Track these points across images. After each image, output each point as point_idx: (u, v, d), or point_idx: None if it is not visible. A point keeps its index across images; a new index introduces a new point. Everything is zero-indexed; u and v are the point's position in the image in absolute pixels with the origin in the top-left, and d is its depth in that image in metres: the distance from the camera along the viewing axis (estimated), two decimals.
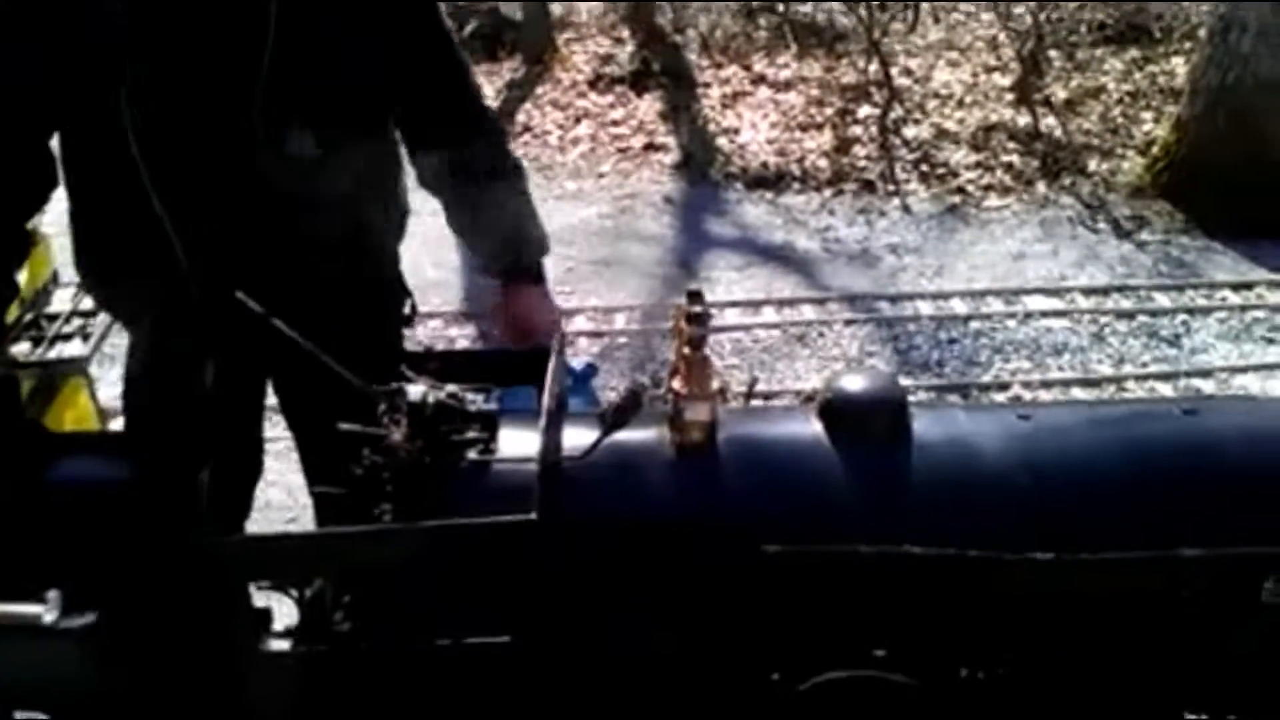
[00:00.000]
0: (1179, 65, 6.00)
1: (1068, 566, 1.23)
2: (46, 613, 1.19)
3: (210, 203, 1.63)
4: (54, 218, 1.71)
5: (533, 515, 1.21)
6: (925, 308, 4.42)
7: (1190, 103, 5.21)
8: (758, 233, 5.03)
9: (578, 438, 1.37)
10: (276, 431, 2.12)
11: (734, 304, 4.39)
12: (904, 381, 4.16)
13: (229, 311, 1.43)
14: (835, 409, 1.39)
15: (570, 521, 1.29)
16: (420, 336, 4.01)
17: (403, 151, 1.85)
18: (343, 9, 1.60)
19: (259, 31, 1.54)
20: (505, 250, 1.84)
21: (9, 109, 1.54)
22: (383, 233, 1.87)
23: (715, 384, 1.35)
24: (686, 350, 1.35)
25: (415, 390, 1.35)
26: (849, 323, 4.28)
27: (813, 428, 1.39)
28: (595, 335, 4.19)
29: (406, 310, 1.93)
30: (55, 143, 1.64)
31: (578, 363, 2.33)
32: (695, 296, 1.35)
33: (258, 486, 2.02)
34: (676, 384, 1.36)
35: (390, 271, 1.93)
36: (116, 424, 2.78)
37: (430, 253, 4.77)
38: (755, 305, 4.40)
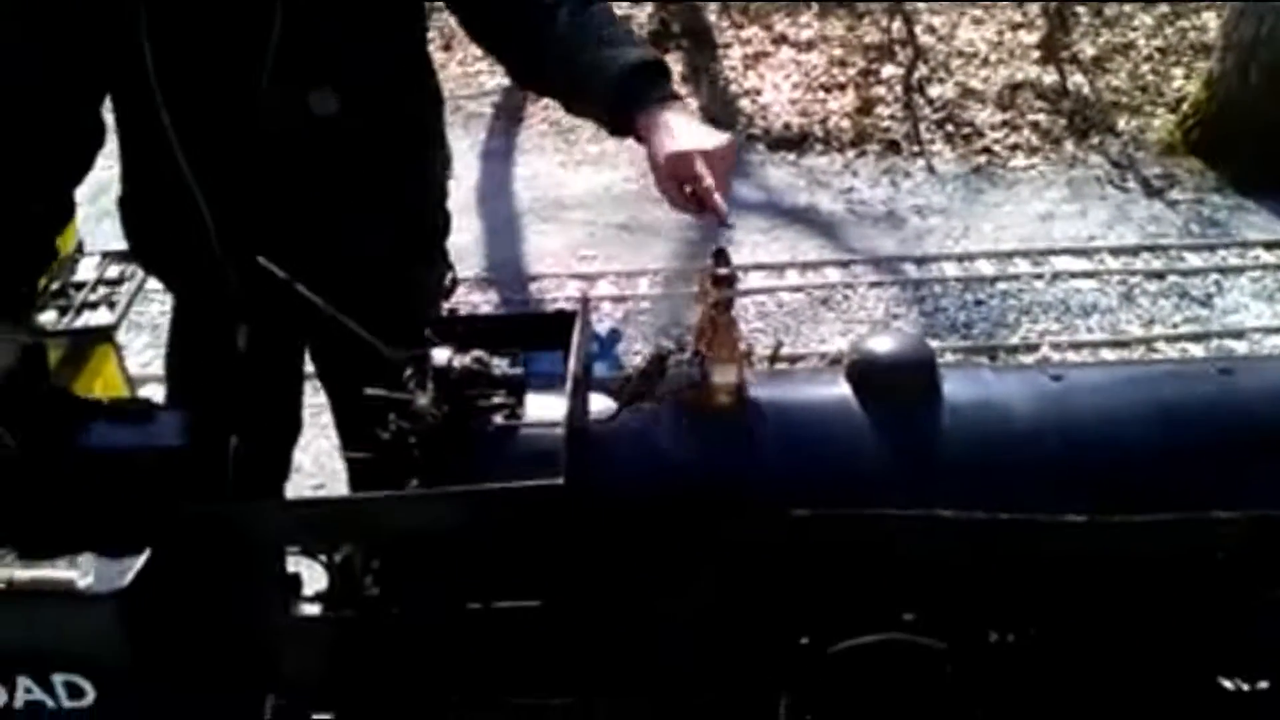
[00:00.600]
0: (1210, 20, 5.87)
1: (1100, 529, 1.22)
2: (80, 578, 1.20)
3: (235, 167, 1.62)
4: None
5: (560, 480, 1.20)
6: (952, 269, 4.38)
7: (1222, 58, 5.11)
8: (781, 195, 4.99)
9: (604, 402, 1.37)
10: (305, 397, 2.13)
11: (758, 267, 4.37)
12: (931, 344, 4.10)
13: (259, 275, 1.44)
14: (863, 371, 1.38)
15: (598, 485, 1.29)
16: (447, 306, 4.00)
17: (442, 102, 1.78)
18: None
19: None
20: (636, 75, 1.46)
21: (50, 78, 1.54)
22: (421, 192, 1.83)
23: (743, 346, 1.34)
24: (712, 313, 1.34)
25: (440, 355, 1.35)
26: (874, 285, 4.27)
27: (841, 390, 1.38)
28: (619, 300, 4.18)
29: (447, 282, 1.91)
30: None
31: (602, 328, 2.33)
32: (721, 256, 1.33)
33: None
34: (704, 347, 1.35)
35: (432, 229, 1.89)
36: (145, 391, 2.80)
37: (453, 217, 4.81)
38: (779, 268, 4.38)
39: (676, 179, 1.41)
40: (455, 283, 1.93)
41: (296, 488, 3.12)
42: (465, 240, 4.53)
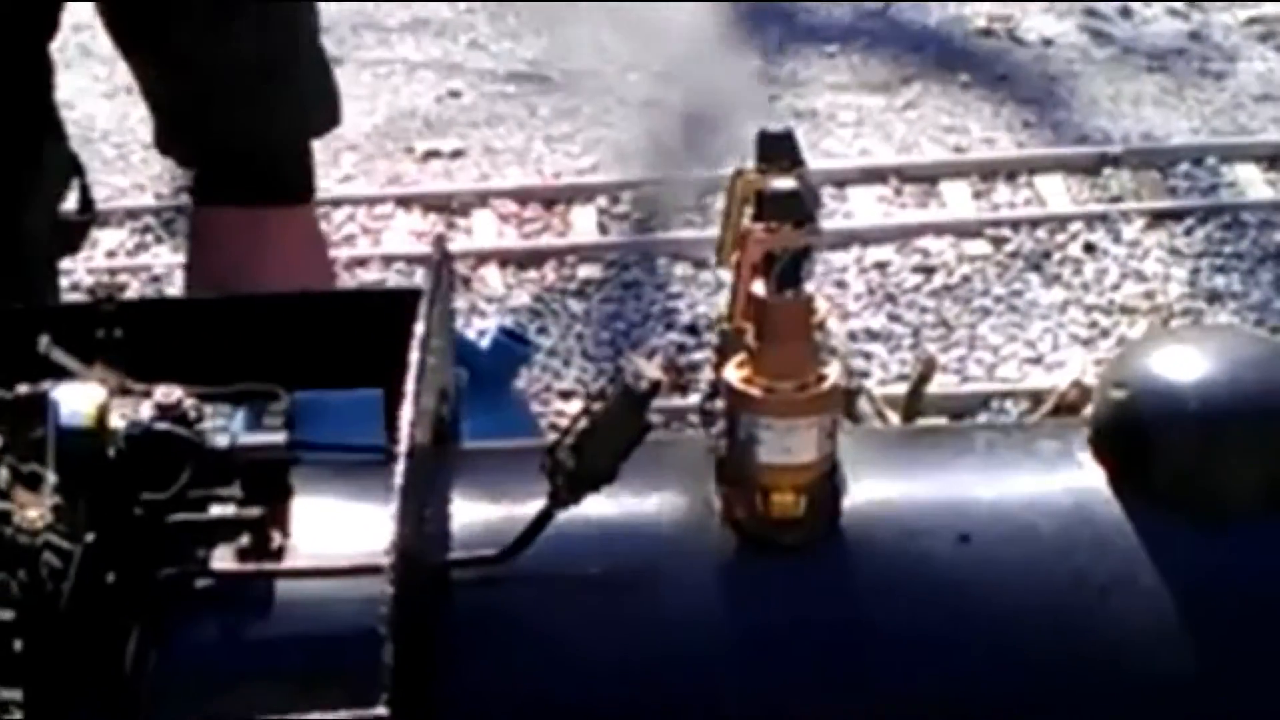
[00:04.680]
0: None
1: None
2: None
3: None
4: None
5: (379, 710, 1.22)
6: None
7: None
8: (926, 5, 5.14)
9: (486, 511, 1.42)
10: None
11: (872, 177, 4.51)
12: None
13: None
14: (1135, 431, 1.42)
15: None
16: (86, 270, 3.99)
17: None
18: None
19: None
20: (226, 131, 2.10)
21: None
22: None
23: (834, 371, 1.36)
24: (761, 289, 1.37)
25: (77, 399, 1.37)
26: (1156, 218, 4.39)
27: (1079, 477, 1.43)
28: (522, 260, 4.31)
29: (73, 206, 2.05)
30: None
31: (483, 331, 2.37)
32: (778, 146, 1.38)
33: None
34: (735, 373, 1.38)
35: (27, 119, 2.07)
36: None
37: (101, 86, 4.80)
38: (924, 180, 4.54)
39: None
40: (91, 208, 2.09)
41: None
42: (130, 132, 4.62)
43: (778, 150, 1.38)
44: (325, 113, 2.22)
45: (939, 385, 3.91)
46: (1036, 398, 3.81)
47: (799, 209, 1.35)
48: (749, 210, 1.38)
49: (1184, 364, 1.43)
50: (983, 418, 3.84)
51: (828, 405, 1.37)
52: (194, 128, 2.19)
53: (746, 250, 1.37)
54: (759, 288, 1.36)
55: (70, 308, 1.62)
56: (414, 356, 1.39)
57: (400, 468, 1.31)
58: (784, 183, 1.36)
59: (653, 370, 1.39)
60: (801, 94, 4.68)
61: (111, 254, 4.23)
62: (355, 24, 4.91)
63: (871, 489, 1.42)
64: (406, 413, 1.35)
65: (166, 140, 2.28)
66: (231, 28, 2.16)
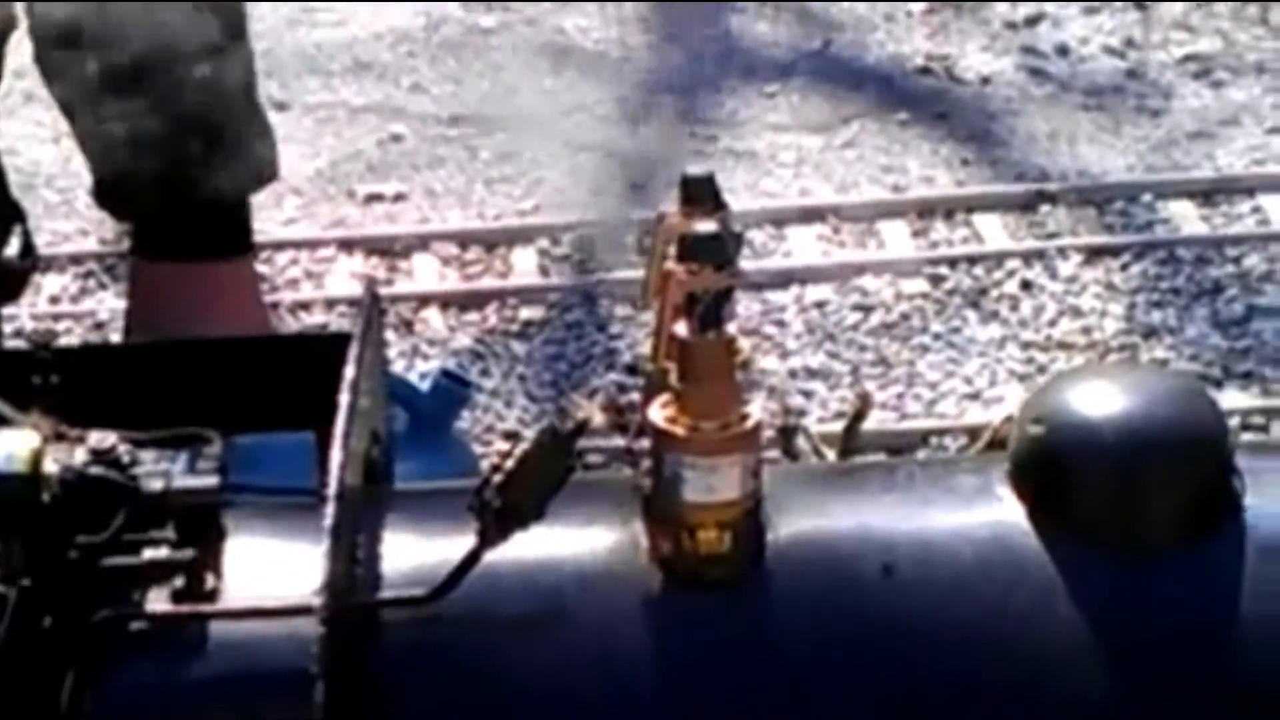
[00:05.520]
0: None
1: None
2: None
3: None
4: None
5: None
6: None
7: None
8: (861, 36, 5.13)
9: (416, 550, 1.42)
10: None
11: (812, 216, 4.49)
12: (1231, 397, 4.18)
13: None
14: (1052, 466, 1.43)
15: None
16: (29, 316, 3.98)
17: None
18: None
19: None
20: (168, 184, 2.14)
21: None
22: None
23: (756, 410, 1.38)
24: (683, 330, 1.38)
25: (12, 445, 1.37)
26: (1093, 255, 4.38)
27: (1000, 512, 1.44)
28: (464, 303, 4.29)
29: (14, 251, 2.07)
30: None
31: (424, 371, 2.36)
32: (701, 189, 1.39)
33: None
34: (660, 413, 1.39)
35: None
36: None
37: (45, 131, 4.76)
38: (862, 219, 4.52)
39: None
40: (33, 253, 2.12)
41: None
42: (71, 177, 4.57)
43: (700, 193, 1.39)
44: (263, 169, 2.25)
45: (878, 422, 3.90)
46: (974, 433, 3.81)
47: (720, 252, 1.36)
48: (672, 252, 1.38)
49: (1099, 400, 1.45)
50: (921, 454, 3.83)
51: (751, 444, 1.38)
52: (131, 186, 2.21)
53: (669, 291, 1.38)
54: (681, 328, 1.37)
55: (6, 354, 1.61)
56: (343, 399, 1.40)
57: (330, 509, 1.31)
58: (706, 226, 1.37)
59: (592, 410, 1.40)
60: (740, 134, 4.68)
61: (55, 299, 4.22)
62: (297, 69, 4.90)
63: (796, 524, 1.43)
64: (335, 455, 1.36)
65: (104, 195, 2.31)
66: (167, 91, 2.19)
